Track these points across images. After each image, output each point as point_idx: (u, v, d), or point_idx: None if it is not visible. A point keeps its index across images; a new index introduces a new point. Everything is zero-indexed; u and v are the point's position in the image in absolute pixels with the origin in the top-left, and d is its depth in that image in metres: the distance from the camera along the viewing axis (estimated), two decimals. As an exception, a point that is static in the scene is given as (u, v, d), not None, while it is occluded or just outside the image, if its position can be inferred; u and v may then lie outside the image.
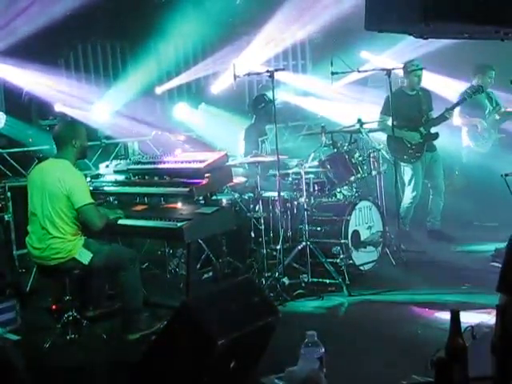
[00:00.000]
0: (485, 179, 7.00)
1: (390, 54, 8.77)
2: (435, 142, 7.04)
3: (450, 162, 7.85)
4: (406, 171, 7.05)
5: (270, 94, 6.22)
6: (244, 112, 8.67)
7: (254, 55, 9.15)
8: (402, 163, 7.02)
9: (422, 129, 6.88)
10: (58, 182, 4.55)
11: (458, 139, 7.67)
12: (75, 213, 4.61)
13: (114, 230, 5.07)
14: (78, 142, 4.74)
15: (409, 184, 7.05)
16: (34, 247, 4.68)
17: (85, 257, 4.62)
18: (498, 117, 7.53)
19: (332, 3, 8.46)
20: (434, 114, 7.01)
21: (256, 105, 6.90)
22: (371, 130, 6.60)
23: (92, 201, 4.64)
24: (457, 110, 7.12)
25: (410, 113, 6.91)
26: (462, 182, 7.92)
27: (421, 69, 6.87)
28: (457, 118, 7.32)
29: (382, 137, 7.10)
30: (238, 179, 6.16)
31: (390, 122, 6.61)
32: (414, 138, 6.88)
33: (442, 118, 6.88)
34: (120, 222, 5.00)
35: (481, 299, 4.77)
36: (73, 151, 4.73)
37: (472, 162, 7.53)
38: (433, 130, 6.95)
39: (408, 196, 7.07)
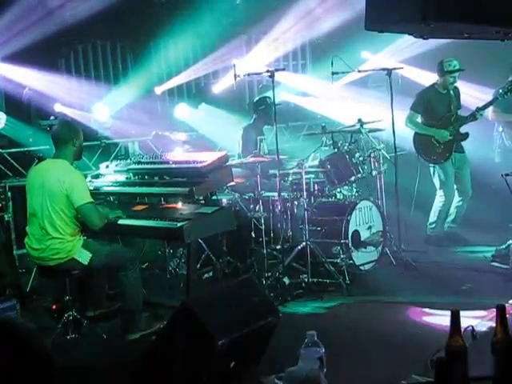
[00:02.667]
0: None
1: (389, 52, 8.75)
2: (463, 144, 6.87)
3: (481, 162, 7.41)
4: (436, 173, 6.85)
5: (270, 94, 6.22)
6: (244, 112, 8.68)
7: (254, 55, 9.17)
8: (430, 165, 6.86)
9: (451, 128, 6.73)
10: (58, 182, 4.55)
11: (489, 139, 7.46)
12: (75, 212, 4.61)
13: (114, 229, 5.07)
14: (78, 141, 4.75)
15: (440, 187, 6.87)
16: (33, 248, 4.68)
17: (84, 257, 4.62)
18: None
19: (332, 3, 8.47)
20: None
21: (257, 106, 6.96)
22: (371, 130, 6.59)
23: (91, 200, 4.64)
24: (491, 106, 6.85)
25: (440, 112, 6.78)
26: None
27: (459, 70, 6.69)
28: (491, 114, 7.03)
29: (383, 136, 7.07)
30: (238, 179, 6.16)
31: (419, 119, 6.55)
32: (442, 136, 6.70)
33: (471, 118, 6.70)
34: (120, 221, 5.00)
35: (481, 299, 4.77)
36: (72, 151, 4.73)
37: (506, 162, 7.17)
38: (462, 130, 6.79)
39: (439, 200, 6.91)
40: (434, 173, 6.91)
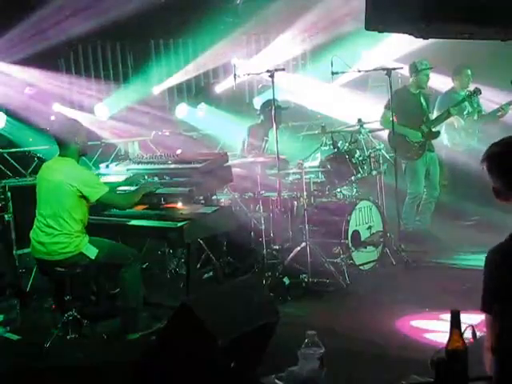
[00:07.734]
0: (462, 178, 7.21)
1: (387, 49, 8.73)
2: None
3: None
4: (408, 169, 7.05)
5: (270, 94, 6.21)
6: (244, 111, 8.67)
7: (254, 56, 9.16)
8: (403, 161, 7.02)
9: (423, 127, 6.91)
10: (68, 183, 4.58)
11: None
12: (84, 211, 4.68)
13: (115, 229, 5.08)
14: (79, 138, 4.79)
15: (410, 183, 7.05)
16: (41, 242, 4.67)
17: (91, 251, 4.65)
18: (476, 118, 7.50)
19: (332, 3, 8.46)
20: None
21: (265, 107, 6.88)
22: (371, 130, 6.59)
23: (106, 189, 4.68)
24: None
25: (412, 111, 6.95)
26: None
27: (430, 68, 6.91)
28: (434, 114, 7.31)
29: (383, 136, 7.09)
30: (238, 179, 6.15)
31: (391, 118, 6.67)
32: (415, 137, 6.91)
33: (445, 115, 6.95)
34: (120, 222, 5.01)
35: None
36: (76, 148, 4.77)
37: (450, 160, 7.52)
38: (434, 129, 6.99)
39: (408, 196, 7.06)
40: (405, 169, 7.07)
